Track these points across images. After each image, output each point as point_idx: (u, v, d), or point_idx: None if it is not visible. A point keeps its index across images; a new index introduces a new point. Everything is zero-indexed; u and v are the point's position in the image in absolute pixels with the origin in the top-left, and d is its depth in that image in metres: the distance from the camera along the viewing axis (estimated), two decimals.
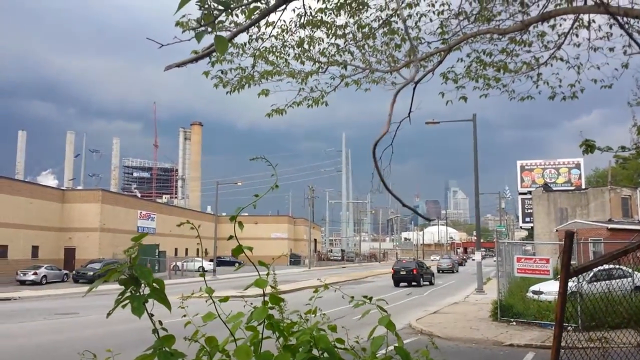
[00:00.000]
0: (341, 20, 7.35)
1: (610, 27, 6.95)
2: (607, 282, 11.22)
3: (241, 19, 6.06)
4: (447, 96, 7.59)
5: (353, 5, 7.17)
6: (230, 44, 6.36)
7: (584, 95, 7.77)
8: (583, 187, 51.21)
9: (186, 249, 71.19)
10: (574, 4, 6.54)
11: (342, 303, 5.58)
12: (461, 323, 17.38)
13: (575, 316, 13.58)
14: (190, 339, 2.27)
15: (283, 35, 7.32)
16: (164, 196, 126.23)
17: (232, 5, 4.35)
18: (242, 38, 7.12)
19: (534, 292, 17.71)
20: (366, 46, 7.69)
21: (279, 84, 7.56)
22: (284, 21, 7.10)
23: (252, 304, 2.39)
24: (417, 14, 7.27)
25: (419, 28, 7.45)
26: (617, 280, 10.61)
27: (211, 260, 63.49)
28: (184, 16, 5.50)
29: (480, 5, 6.92)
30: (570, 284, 4.01)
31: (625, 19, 5.49)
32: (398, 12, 6.82)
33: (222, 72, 7.30)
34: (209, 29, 3.22)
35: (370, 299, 2.56)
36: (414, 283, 36.48)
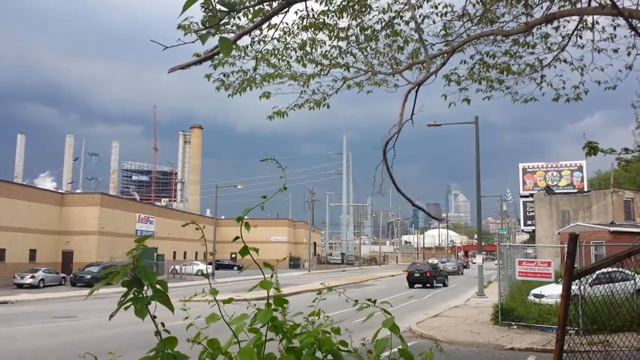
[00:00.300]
0: (343, 22, 7.33)
1: (615, 28, 6.93)
2: (608, 285, 11.17)
3: (243, 21, 6.04)
4: (450, 98, 7.57)
5: (355, 7, 7.15)
6: (233, 47, 6.34)
7: (587, 97, 7.74)
8: (585, 189, 51.21)
9: (184, 253, 71.09)
10: (578, 6, 6.52)
11: (344, 306, 5.53)
12: (462, 326, 17.32)
13: (576, 319, 13.52)
14: (193, 340, 2.23)
15: (285, 38, 7.30)
16: (163, 199, 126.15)
17: (237, 8, 4.32)
18: (244, 41, 7.10)
19: (535, 296, 17.64)
20: (368, 48, 7.67)
21: (281, 87, 7.54)
22: (286, 24, 7.09)
23: (255, 305, 2.35)
24: (420, 16, 7.25)
25: (422, 30, 7.43)
26: (621, 283, 10.55)
27: (210, 264, 63.44)
28: (186, 19, 5.48)
29: (484, 7, 6.90)
30: (572, 286, 3.96)
31: (630, 20, 5.46)
32: (409, 10, 6.78)
33: (224, 75, 7.27)
34: (213, 31, 3.19)
35: (374, 301, 2.53)
36: (427, 285, 38.43)
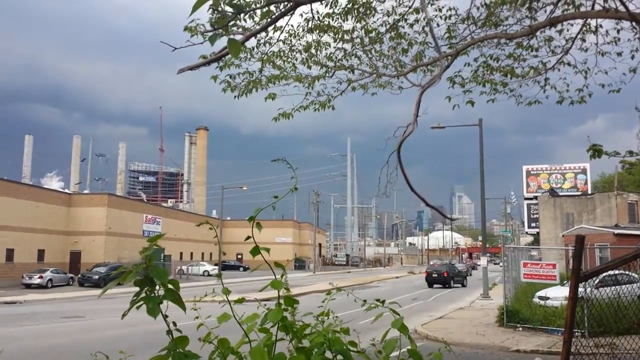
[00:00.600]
0: (348, 25, 7.39)
1: (618, 31, 6.95)
2: (614, 287, 11.15)
3: (249, 23, 6.10)
4: (454, 101, 7.60)
5: (360, 10, 7.20)
6: (242, 48, 6.40)
7: (591, 101, 7.76)
8: (589, 192, 50.95)
9: (191, 253, 71.27)
10: (582, 9, 6.54)
11: (351, 307, 5.57)
12: (467, 328, 17.31)
13: (582, 322, 13.49)
14: (204, 339, 2.28)
15: (290, 40, 7.36)
16: (169, 200, 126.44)
17: (245, 9, 4.38)
18: (250, 42, 7.16)
19: (540, 298, 17.62)
20: (373, 51, 7.72)
21: (286, 88, 7.59)
22: (292, 26, 7.15)
23: (265, 305, 2.40)
24: (424, 19, 7.29)
25: (426, 33, 7.47)
26: (627, 286, 10.53)
27: (216, 264, 63.50)
28: (192, 21, 5.54)
29: (488, 10, 6.93)
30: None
31: (634, 23, 5.49)
32: (414, 13, 6.81)
33: (230, 77, 7.34)
34: (222, 33, 3.25)
35: (383, 302, 2.56)
36: (445, 285, 39.95)
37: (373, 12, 7.26)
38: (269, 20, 5.12)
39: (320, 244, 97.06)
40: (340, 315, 2.65)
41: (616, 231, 32.02)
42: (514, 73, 7.51)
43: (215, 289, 2.66)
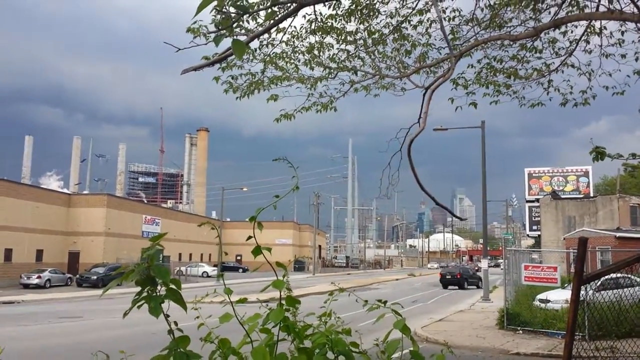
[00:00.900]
0: (351, 26, 7.37)
1: (623, 33, 6.93)
2: (615, 291, 11.12)
3: (252, 25, 6.09)
4: (457, 102, 7.58)
5: (363, 11, 7.19)
6: (246, 49, 6.38)
7: (593, 103, 7.74)
8: (591, 195, 50.91)
9: (190, 254, 71.22)
10: (586, 11, 6.52)
11: (352, 308, 5.54)
12: (467, 331, 17.27)
13: (582, 325, 13.46)
14: (205, 339, 2.26)
15: (293, 41, 7.34)
16: (169, 201, 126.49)
17: (249, 10, 4.37)
18: (253, 44, 7.15)
19: (541, 301, 17.57)
20: (376, 52, 7.70)
21: (288, 89, 7.58)
22: (295, 27, 7.13)
23: (267, 305, 2.38)
24: (427, 20, 7.27)
25: (429, 34, 7.45)
26: (628, 289, 10.50)
27: (215, 266, 63.45)
28: (194, 22, 5.53)
29: (492, 11, 6.92)
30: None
31: (639, 25, 5.47)
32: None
33: (232, 78, 7.32)
34: (227, 34, 3.23)
35: (385, 302, 2.54)
36: (459, 286, 41.48)
37: (376, 13, 7.25)
38: (272, 21, 5.10)
39: (320, 246, 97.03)
40: (341, 317, 2.63)
41: (618, 234, 31.96)
42: (517, 75, 7.49)
43: (216, 289, 2.63)
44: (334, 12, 7.04)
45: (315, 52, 7.50)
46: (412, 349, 2.38)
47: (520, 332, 16.42)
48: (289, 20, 6.12)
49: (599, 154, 5.16)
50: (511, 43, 7.07)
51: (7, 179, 48.86)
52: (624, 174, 59.43)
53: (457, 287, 41.26)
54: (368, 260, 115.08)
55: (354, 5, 7.04)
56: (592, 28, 7.05)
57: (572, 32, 7.18)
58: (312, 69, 7.67)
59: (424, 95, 6.21)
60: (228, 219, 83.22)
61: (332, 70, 7.64)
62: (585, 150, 5.07)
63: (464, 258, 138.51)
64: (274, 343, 2.21)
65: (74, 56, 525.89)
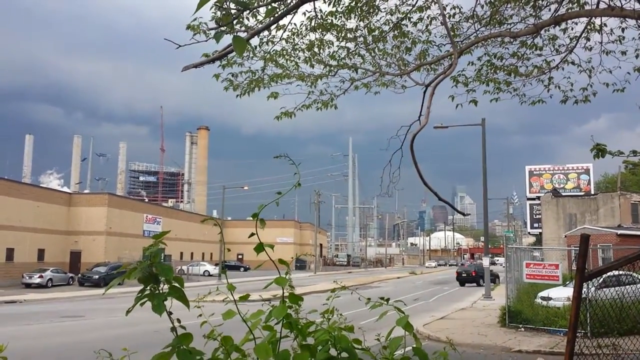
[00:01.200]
0: (351, 23, 7.36)
1: (623, 30, 6.92)
2: (617, 288, 11.11)
3: (252, 22, 6.08)
4: (457, 100, 7.57)
5: (364, 8, 7.17)
6: (247, 46, 6.37)
7: (593, 100, 7.73)
8: (592, 192, 50.87)
9: (191, 253, 71.27)
10: (587, 8, 6.51)
11: (354, 306, 5.54)
12: (469, 329, 17.27)
13: (584, 322, 13.46)
14: (208, 336, 2.26)
15: (293, 39, 7.33)
16: (169, 200, 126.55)
17: (250, 7, 4.37)
18: (253, 41, 7.15)
19: (543, 298, 17.57)
20: (376, 49, 7.69)
21: (289, 87, 7.57)
22: (295, 24, 7.12)
23: (270, 302, 2.38)
24: (427, 18, 7.26)
25: (429, 31, 7.44)
26: (629, 286, 10.49)
27: (216, 264, 63.48)
28: (194, 20, 5.52)
29: (493, 8, 6.90)
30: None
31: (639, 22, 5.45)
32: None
33: (232, 75, 7.32)
34: (227, 30, 3.23)
35: (387, 300, 2.54)
36: (475, 283, 43.26)
37: (376, 10, 7.24)
38: (272, 18, 5.10)
39: (321, 244, 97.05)
40: (344, 315, 2.63)
41: (619, 232, 31.95)
42: (517, 72, 7.48)
43: (218, 287, 2.63)
44: (334, 9, 7.03)
45: (316, 49, 7.50)
46: (414, 345, 2.39)
47: (522, 329, 16.41)
48: (289, 17, 6.11)
49: (599, 151, 5.16)
50: (511, 40, 7.06)
51: (8, 179, 48.90)
52: (624, 171, 59.40)
53: (474, 284, 43.05)
54: (369, 259, 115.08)
55: (354, 2, 7.03)
56: (592, 25, 7.04)
57: (572, 29, 7.17)
58: (312, 66, 7.66)
59: (424, 92, 6.20)
60: (229, 218, 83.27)
61: (332, 68, 7.64)
62: (585, 147, 5.05)
63: (465, 256, 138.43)
64: (277, 340, 2.21)
65: (74, 54, 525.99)
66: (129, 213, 56.04)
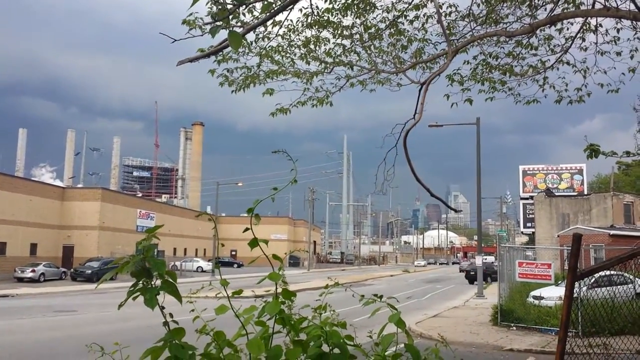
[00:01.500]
0: (348, 20, 7.35)
1: (618, 31, 6.95)
2: (608, 288, 11.18)
3: (248, 17, 6.06)
4: (452, 99, 7.58)
5: (360, 6, 7.16)
6: (242, 41, 6.35)
7: (588, 100, 7.76)
8: (585, 192, 51.16)
9: (185, 249, 71.14)
10: (582, 8, 6.53)
11: (347, 303, 5.55)
12: (461, 327, 17.35)
13: (575, 321, 13.54)
14: (200, 331, 2.26)
15: (289, 35, 7.31)
16: (163, 196, 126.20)
17: (246, 2, 4.35)
18: (248, 37, 7.13)
19: (535, 297, 17.66)
20: (372, 47, 7.69)
21: (284, 84, 7.56)
22: (291, 21, 7.11)
23: (263, 298, 2.38)
24: (424, 16, 7.26)
25: (425, 30, 7.44)
26: (622, 286, 10.57)
27: (209, 261, 63.40)
28: (190, 15, 5.50)
29: (488, 7, 6.92)
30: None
31: (635, 22, 5.48)
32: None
33: (227, 71, 7.29)
34: (223, 25, 3.22)
35: (381, 297, 2.55)
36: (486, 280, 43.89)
37: (373, 8, 7.23)
38: (268, 14, 5.09)
39: (315, 242, 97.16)
40: (336, 311, 2.63)
41: (611, 232, 32.16)
42: (512, 71, 7.50)
43: (212, 282, 2.63)
44: (331, 6, 7.02)
45: (312, 46, 7.48)
46: (407, 342, 2.40)
47: (514, 328, 16.51)
48: (285, 13, 6.10)
49: (593, 152, 5.18)
50: (507, 39, 7.07)
51: (1, 172, 48.62)
52: (617, 172, 59.76)
53: (484, 282, 44.11)
54: (363, 256, 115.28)
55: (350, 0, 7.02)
56: (587, 25, 7.06)
57: (567, 29, 7.20)
58: (308, 63, 7.64)
59: (419, 90, 6.20)
60: (223, 214, 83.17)
61: (328, 65, 7.63)
62: (579, 148, 5.07)
63: (458, 255, 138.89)
64: (270, 335, 2.21)
65: (69, 49, 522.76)
66: (122, 208, 55.86)
